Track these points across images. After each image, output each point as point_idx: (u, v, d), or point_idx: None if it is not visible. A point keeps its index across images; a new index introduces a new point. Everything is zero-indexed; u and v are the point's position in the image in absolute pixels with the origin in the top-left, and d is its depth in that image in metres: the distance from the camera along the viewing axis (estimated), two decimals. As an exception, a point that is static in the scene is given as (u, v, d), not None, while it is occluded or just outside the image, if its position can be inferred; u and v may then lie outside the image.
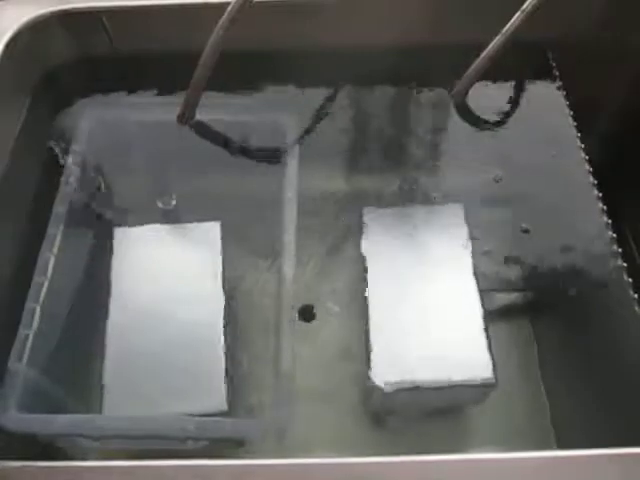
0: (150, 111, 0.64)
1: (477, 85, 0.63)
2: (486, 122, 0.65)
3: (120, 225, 0.62)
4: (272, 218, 0.57)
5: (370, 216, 0.61)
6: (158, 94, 0.66)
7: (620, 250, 0.52)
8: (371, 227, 0.61)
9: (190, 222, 0.62)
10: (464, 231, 0.60)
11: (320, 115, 0.66)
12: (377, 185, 0.67)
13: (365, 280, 0.58)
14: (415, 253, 0.59)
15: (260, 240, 0.62)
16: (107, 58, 0.66)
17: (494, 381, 0.52)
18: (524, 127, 0.65)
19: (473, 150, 0.65)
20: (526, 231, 0.63)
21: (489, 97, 0.66)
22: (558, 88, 0.64)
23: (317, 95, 0.68)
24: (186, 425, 0.48)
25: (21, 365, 0.50)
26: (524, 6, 0.58)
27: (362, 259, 0.59)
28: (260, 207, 0.60)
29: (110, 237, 0.61)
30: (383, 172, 0.68)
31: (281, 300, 0.53)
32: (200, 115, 0.62)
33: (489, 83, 0.65)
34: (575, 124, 0.60)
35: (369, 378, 0.53)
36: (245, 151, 0.65)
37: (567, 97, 0.62)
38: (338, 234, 0.66)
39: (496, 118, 0.65)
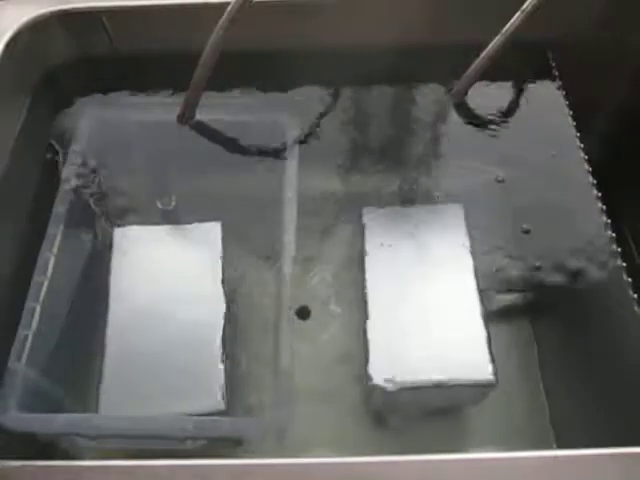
0: (150, 111, 0.64)
1: (477, 85, 0.63)
2: (486, 122, 0.65)
3: (120, 225, 0.62)
4: (272, 218, 0.57)
5: (370, 216, 0.61)
6: (158, 94, 0.66)
7: (619, 250, 0.52)
8: (371, 227, 0.61)
9: (190, 222, 0.62)
10: (464, 231, 0.59)
11: (320, 115, 0.66)
12: (377, 185, 0.67)
13: (365, 280, 0.58)
14: (415, 253, 0.59)
15: (260, 240, 0.62)
16: (107, 58, 0.66)
17: (494, 381, 0.52)
18: (524, 127, 0.65)
19: (472, 150, 0.65)
20: (525, 231, 0.63)
21: (489, 97, 0.66)
22: (558, 88, 0.64)
23: (317, 95, 0.68)
24: (184, 425, 0.48)
25: (21, 365, 0.50)
26: (524, 6, 0.58)
27: (362, 259, 0.59)
28: (260, 207, 0.60)
29: (110, 237, 0.61)
30: (383, 172, 0.68)
31: (281, 300, 0.53)
32: (200, 115, 0.63)
33: (489, 83, 0.65)
34: (575, 124, 0.60)
35: (369, 378, 0.53)
36: (245, 151, 0.65)
37: (567, 97, 0.62)
38: (338, 234, 0.66)
39: (496, 118, 0.65)
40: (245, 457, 0.49)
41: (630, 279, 0.50)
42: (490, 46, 0.60)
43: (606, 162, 0.61)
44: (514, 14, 0.58)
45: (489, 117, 0.65)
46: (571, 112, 0.61)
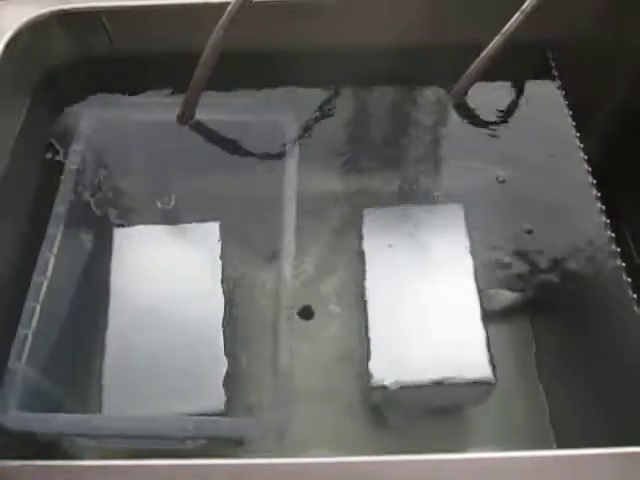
0: (150, 111, 0.64)
1: (477, 85, 0.63)
2: (485, 122, 0.65)
3: (120, 225, 0.62)
4: (272, 218, 0.57)
5: (370, 216, 0.61)
6: (158, 94, 0.66)
7: (619, 250, 0.52)
8: (371, 227, 0.61)
9: (190, 222, 0.62)
10: (463, 231, 0.60)
11: (320, 115, 0.66)
12: (377, 185, 0.67)
13: (365, 280, 0.58)
14: (415, 253, 0.59)
15: (260, 240, 0.62)
16: (107, 58, 0.66)
17: (493, 381, 0.52)
18: (523, 127, 0.65)
19: (472, 150, 0.65)
20: (525, 231, 0.63)
21: (489, 97, 0.66)
22: (557, 88, 0.64)
23: (317, 95, 0.68)
24: (184, 424, 0.48)
25: (21, 364, 0.50)
26: (523, 6, 0.58)
27: (362, 259, 0.59)
28: (260, 207, 0.60)
29: (110, 237, 0.61)
30: (383, 172, 0.68)
31: (280, 300, 0.53)
32: (200, 115, 0.63)
33: (489, 83, 0.65)
34: (574, 124, 0.60)
35: (369, 378, 0.53)
36: (245, 151, 0.65)
37: (566, 97, 0.62)
38: (338, 234, 0.66)
39: (495, 118, 0.65)
40: (245, 457, 0.49)
41: (630, 279, 0.50)
42: (490, 46, 0.60)
43: (606, 162, 0.61)
44: (514, 14, 0.58)
45: (489, 117, 0.65)
46: (571, 112, 0.61)
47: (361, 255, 0.59)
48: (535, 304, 0.64)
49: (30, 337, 0.51)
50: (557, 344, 0.62)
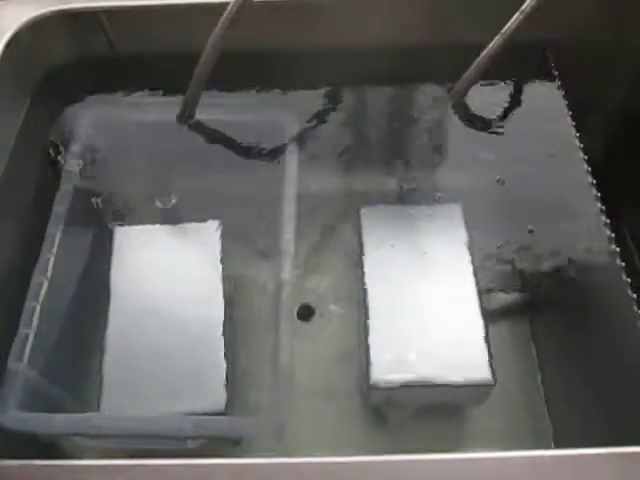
0: (150, 111, 0.65)
1: (477, 85, 0.63)
2: (485, 122, 0.65)
3: (120, 225, 0.62)
4: (272, 218, 0.57)
5: (369, 216, 0.61)
6: (158, 94, 0.66)
7: (618, 250, 0.52)
8: (370, 227, 0.61)
9: (190, 222, 0.62)
10: (462, 231, 0.60)
11: (320, 115, 0.66)
12: (377, 185, 0.67)
13: (364, 279, 0.58)
14: (414, 253, 0.59)
15: (260, 240, 0.62)
16: (107, 58, 0.66)
17: (492, 381, 0.52)
18: (523, 127, 0.65)
19: (472, 150, 0.65)
20: (524, 230, 0.63)
21: (489, 97, 0.66)
22: (557, 88, 0.64)
23: (317, 95, 0.68)
24: (184, 424, 0.48)
25: (21, 364, 0.50)
26: (523, 7, 0.58)
27: (361, 258, 0.59)
28: (260, 207, 0.60)
29: (110, 237, 0.61)
30: (383, 172, 0.68)
31: (280, 299, 0.53)
32: (200, 115, 0.63)
33: (489, 83, 0.65)
34: (574, 124, 0.60)
35: (368, 378, 0.53)
36: (245, 151, 0.65)
37: (566, 97, 0.62)
38: (337, 233, 0.66)
39: (495, 118, 0.65)
40: (245, 456, 0.49)
41: (629, 279, 0.50)
42: (490, 46, 0.60)
43: (606, 162, 0.61)
44: (513, 14, 0.58)
45: (489, 117, 0.65)
46: (570, 112, 0.61)
47: (360, 255, 0.59)
48: (535, 304, 0.64)
49: (30, 337, 0.51)
50: (557, 344, 0.62)
